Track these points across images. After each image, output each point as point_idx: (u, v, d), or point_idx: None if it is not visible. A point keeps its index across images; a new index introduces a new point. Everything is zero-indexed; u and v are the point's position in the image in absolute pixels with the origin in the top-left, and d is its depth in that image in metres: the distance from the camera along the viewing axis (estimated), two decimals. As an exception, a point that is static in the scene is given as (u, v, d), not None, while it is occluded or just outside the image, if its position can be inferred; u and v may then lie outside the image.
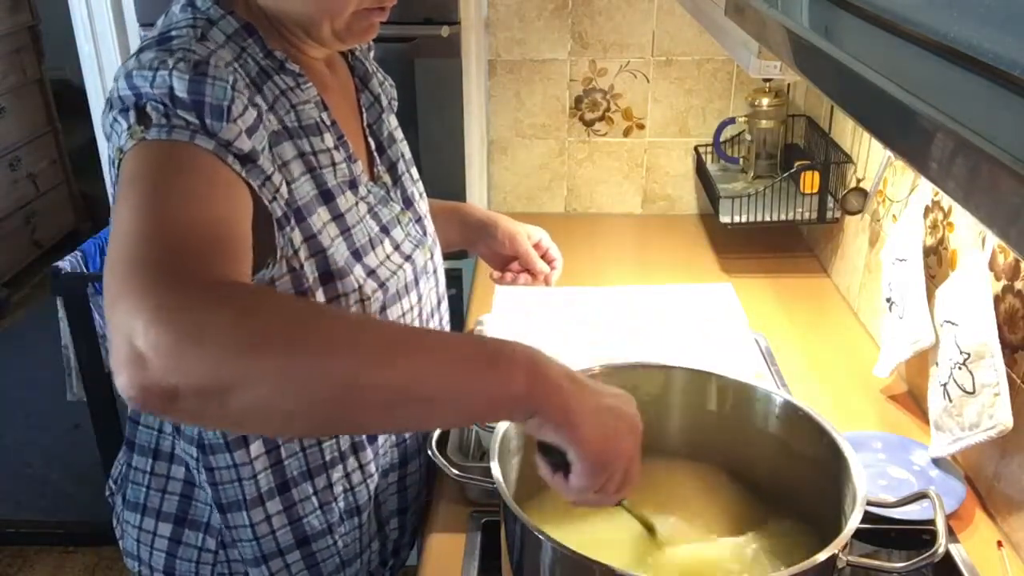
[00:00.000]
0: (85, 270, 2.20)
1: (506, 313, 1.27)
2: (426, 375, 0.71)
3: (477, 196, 2.08)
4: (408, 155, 1.18)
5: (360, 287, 0.98)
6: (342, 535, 1.06)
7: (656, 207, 2.10)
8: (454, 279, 2.20)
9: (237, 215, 0.82)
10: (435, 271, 1.15)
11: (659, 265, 1.82)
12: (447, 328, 1.22)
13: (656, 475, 0.97)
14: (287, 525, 1.02)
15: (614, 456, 0.77)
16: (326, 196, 0.97)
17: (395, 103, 1.22)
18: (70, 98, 3.79)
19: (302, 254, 0.93)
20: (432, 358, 0.72)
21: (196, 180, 0.80)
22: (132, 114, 0.83)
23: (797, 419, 0.95)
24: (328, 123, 1.00)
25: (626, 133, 2.03)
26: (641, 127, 2.03)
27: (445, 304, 1.21)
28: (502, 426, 0.88)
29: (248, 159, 0.85)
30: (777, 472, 0.98)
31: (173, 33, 0.90)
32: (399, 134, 1.18)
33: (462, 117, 2.01)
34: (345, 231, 0.98)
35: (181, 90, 0.82)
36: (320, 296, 0.96)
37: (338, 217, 0.98)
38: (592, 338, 1.21)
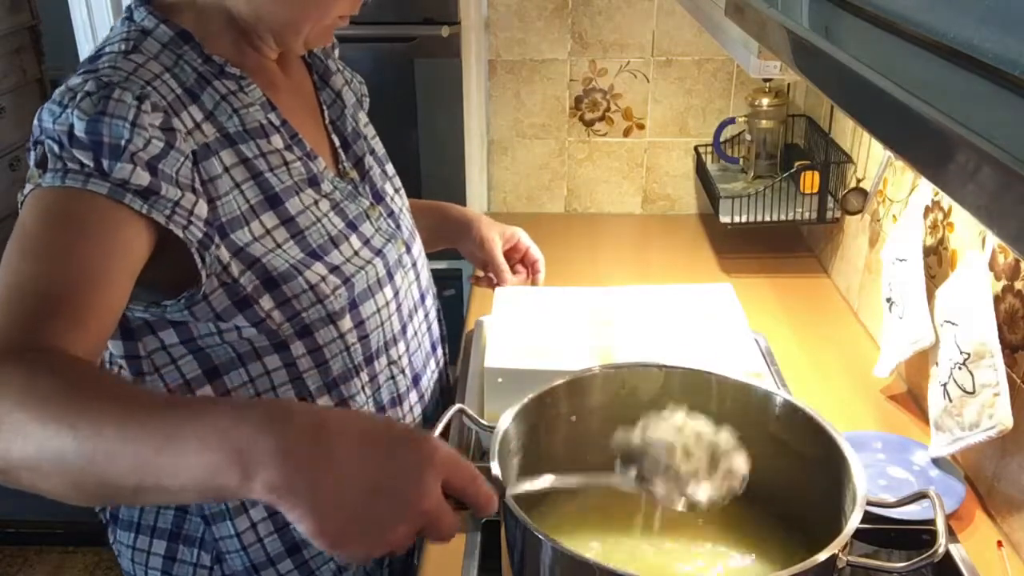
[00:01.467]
0: (85, 270, 2.20)
1: (506, 313, 1.27)
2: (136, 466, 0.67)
3: (477, 196, 2.08)
4: (381, 151, 1.18)
5: (314, 286, 0.97)
6: None
7: (656, 207, 2.10)
8: (454, 279, 2.20)
9: (107, 265, 0.80)
10: (413, 265, 1.14)
11: (659, 265, 1.82)
12: (433, 322, 1.21)
13: None
14: (274, 532, 1.01)
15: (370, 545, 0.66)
16: (273, 200, 0.96)
17: (366, 100, 1.22)
18: (70, 98, 3.79)
19: (233, 268, 0.92)
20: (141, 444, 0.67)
21: (67, 233, 0.80)
22: (33, 156, 0.84)
23: (797, 419, 0.95)
24: (277, 123, 0.99)
25: (626, 133, 2.03)
26: (641, 127, 2.03)
27: (431, 300, 1.20)
28: (502, 425, 0.88)
29: (149, 191, 0.84)
30: (777, 472, 0.97)
31: (106, 50, 0.91)
32: (369, 131, 1.17)
33: (462, 117, 2.01)
34: (297, 233, 0.97)
35: (80, 130, 0.82)
36: (266, 302, 0.94)
37: (288, 221, 0.97)
38: (592, 338, 1.21)
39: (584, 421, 0.95)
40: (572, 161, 2.06)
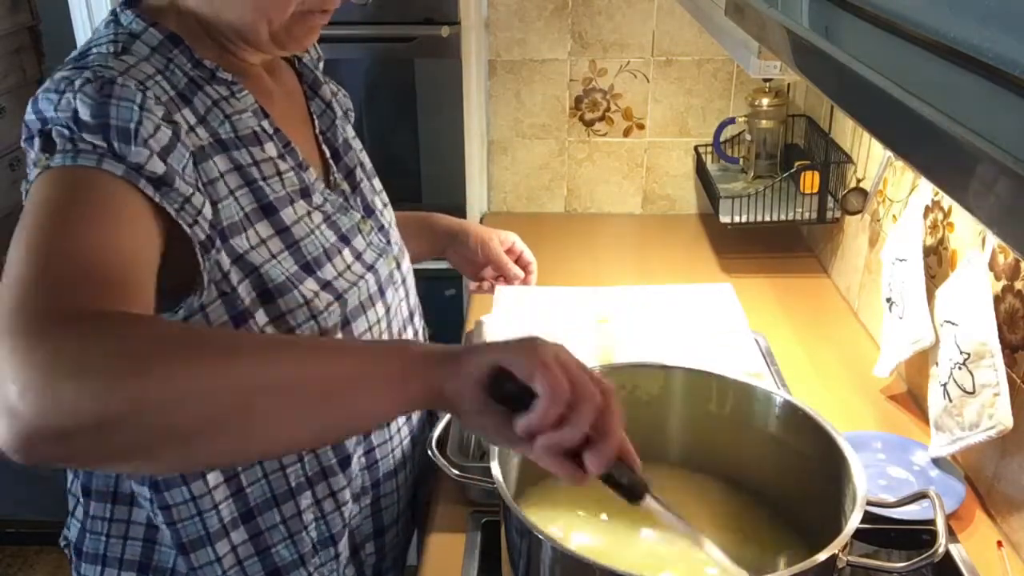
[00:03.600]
0: (85, 270, 2.20)
1: (506, 313, 1.27)
2: (323, 366, 0.70)
3: (477, 196, 2.08)
4: (369, 165, 1.15)
5: (308, 301, 0.93)
6: (317, 567, 1.01)
7: (656, 207, 2.10)
8: (454, 280, 2.20)
9: (135, 246, 0.77)
10: (403, 281, 1.12)
11: (659, 265, 1.82)
12: (421, 340, 1.18)
13: (656, 479, 0.96)
14: (255, 555, 0.97)
15: (577, 385, 0.70)
16: (268, 209, 0.92)
17: (351, 114, 1.19)
18: (70, 98, 3.79)
19: (233, 276, 0.89)
20: (325, 353, 0.73)
21: (94, 209, 0.76)
22: (37, 141, 0.80)
23: (797, 419, 0.95)
24: (270, 131, 0.96)
25: (626, 133, 2.03)
26: (641, 127, 2.03)
27: (419, 317, 1.17)
28: None
29: (162, 182, 0.81)
30: (777, 472, 0.98)
31: (92, 50, 0.88)
32: (356, 143, 1.14)
33: (462, 117, 2.00)
34: (292, 244, 0.94)
35: (85, 113, 0.78)
36: (261, 317, 0.91)
37: (283, 231, 0.93)
38: (592, 338, 1.21)
39: None
40: (572, 161, 2.06)
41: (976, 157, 0.41)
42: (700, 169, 2.00)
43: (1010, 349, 1.08)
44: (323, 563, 1.02)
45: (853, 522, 0.79)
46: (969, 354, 1.09)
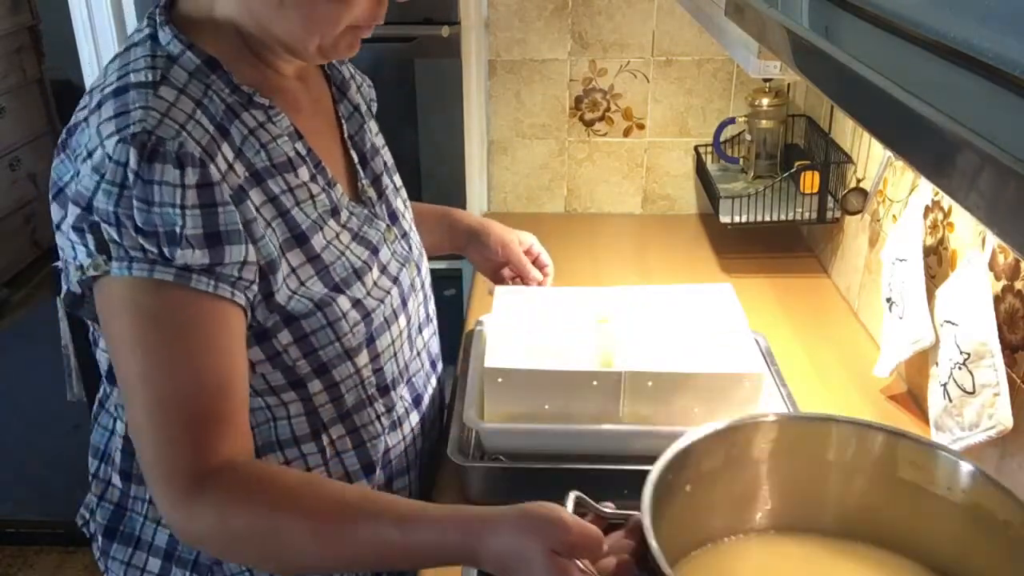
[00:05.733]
0: (85, 270, 2.20)
1: (506, 313, 1.27)
2: (413, 558, 0.85)
3: (477, 196, 2.08)
4: (390, 162, 1.15)
5: (332, 323, 0.95)
6: None
7: (656, 207, 2.10)
8: (454, 279, 2.20)
9: (225, 349, 0.87)
10: (422, 286, 1.12)
11: (659, 265, 1.82)
12: (433, 337, 1.19)
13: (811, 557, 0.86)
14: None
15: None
16: (300, 239, 0.93)
17: (374, 104, 1.18)
18: (70, 98, 3.78)
19: (259, 313, 0.91)
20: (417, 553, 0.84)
21: (181, 333, 0.85)
22: (90, 238, 0.83)
23: (988, 489, 0.80)
24: (303, 153, 0.96)
25: (626, 133, 2.03)
26: (641, 127, 2.03)
27: (433, 326, 1.18)
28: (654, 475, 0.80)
29: (211, 268, 0.85)
30: (964, 552, 0.83)
31: (131, 79, 0.87)
32: (380, 140, 1.13)
33: (462, 117, 2.01)
34: (322, 270, 0.95)
35: (135, 220, 0.82)
36: (284, 337, 0.93)
37: (314, 258, 0.94)
38: (592, 338, 1.21)
39: (701, 489, 0.86)
40: (572, 161, 2.06)
41: (976, 157, 0.41)
42: (700, 169, 2.00)
43: (1010, 349, 1.08)
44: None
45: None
46: (969, 354, 1.09)
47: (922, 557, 0.85)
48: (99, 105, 0.87)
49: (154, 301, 0.84)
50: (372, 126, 1.13)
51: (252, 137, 0.91)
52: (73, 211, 0.84)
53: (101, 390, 1.08)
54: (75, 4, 2.01)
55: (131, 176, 0.81)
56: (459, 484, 1.14)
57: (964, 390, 1.10)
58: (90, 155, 0.84)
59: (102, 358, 1.00)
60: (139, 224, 0.82)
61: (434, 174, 2.48)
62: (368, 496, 0.89)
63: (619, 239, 2.00)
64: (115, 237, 0.82)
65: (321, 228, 0.95)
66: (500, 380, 1.11)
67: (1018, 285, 1.08)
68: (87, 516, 1.10)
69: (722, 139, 1.96)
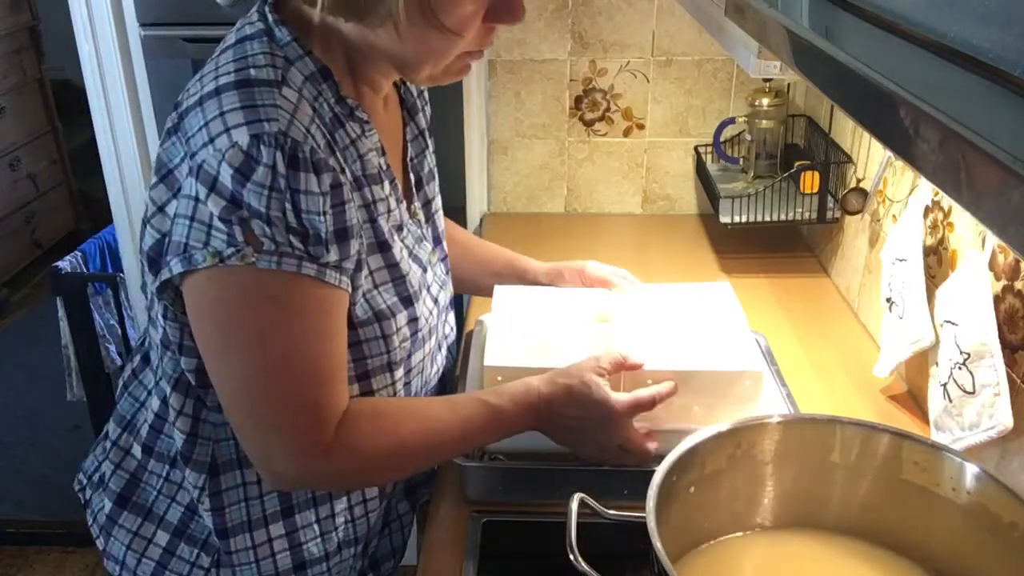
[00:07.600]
0: (85, 270, 2.20)
1: (506, 313, 1.27)
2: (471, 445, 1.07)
3: (477, 196, 2.08)
4: (436, 180, 1.18)
5: (384, 336, 0.98)
6: (336, 563, 1.06)
7: (656, 207, 2.10)
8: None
9: (340, 336, 0.93)
10: (448, 305, 1.15)
11: (659, 265, 1.82)
12: (442, 365, 1.21)
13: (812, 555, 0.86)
14: (287, 550, 1.02)
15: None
16: (383, 246, 0.97)
17: (428, 108, 1.21)
18: (70, 98, 3.79)
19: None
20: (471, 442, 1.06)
21: (311, 319, 0.89)
22: (237, 229, 0.84)
23: (994, 491, 0.80)
24: (386, 168, 0.99)
25: (626, 133, 2.03)
26: (641, 127, 2.03)
27: (452, 339, 1.20)
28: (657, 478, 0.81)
29: (339, 264, 0.89)
30: (969, 553, 0.82)
31: (252, 74, 0.87)
32: (432, 159, 1.16)
33: (462, 117, 2.01)
34: (398, 279, 0.98)
35: (289, 220, 0.85)
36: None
37: (392, 266, 0.98)
38: (592, 338, 1.21)
39: (704, 490, 0.87)
40: (572, 161, 2.06)
41: (976, 157, 0.41)
42: (700, 169, 2.00)
43: (1010, 349, 1.08)
44: (343, 560, 1.07)
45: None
46: (969, 354, 1.09)
47: (926, 558, 0.86)
48: (217, 92, 0.86)
49: (294, 292, 0.88)
50: (431, 156, 1.17)
51: (352, 147, 0.94)
52: (216, 200, 0.84)
53: (135, 360, 1.09)
54: (75, 4, 2.01)
55: (281, 181, 0.84)
56: (458, 485, 1.15)
57: (964, 390, 1.10)
58: (211, 140, 0.84)
59: (155, 333, 0.99)
60: (290, 224, 0.85)
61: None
62: (452, 398, 1.07)
63: (619, 239, 2.00)
64: (268, 233, 0.84)
65: (395, 241, 0.99)
66: (500, 379, 1.11)
67: (1018, 285, 1.08)
68: (84, 481, 1.13)
69: (722, 139, 1.97)
